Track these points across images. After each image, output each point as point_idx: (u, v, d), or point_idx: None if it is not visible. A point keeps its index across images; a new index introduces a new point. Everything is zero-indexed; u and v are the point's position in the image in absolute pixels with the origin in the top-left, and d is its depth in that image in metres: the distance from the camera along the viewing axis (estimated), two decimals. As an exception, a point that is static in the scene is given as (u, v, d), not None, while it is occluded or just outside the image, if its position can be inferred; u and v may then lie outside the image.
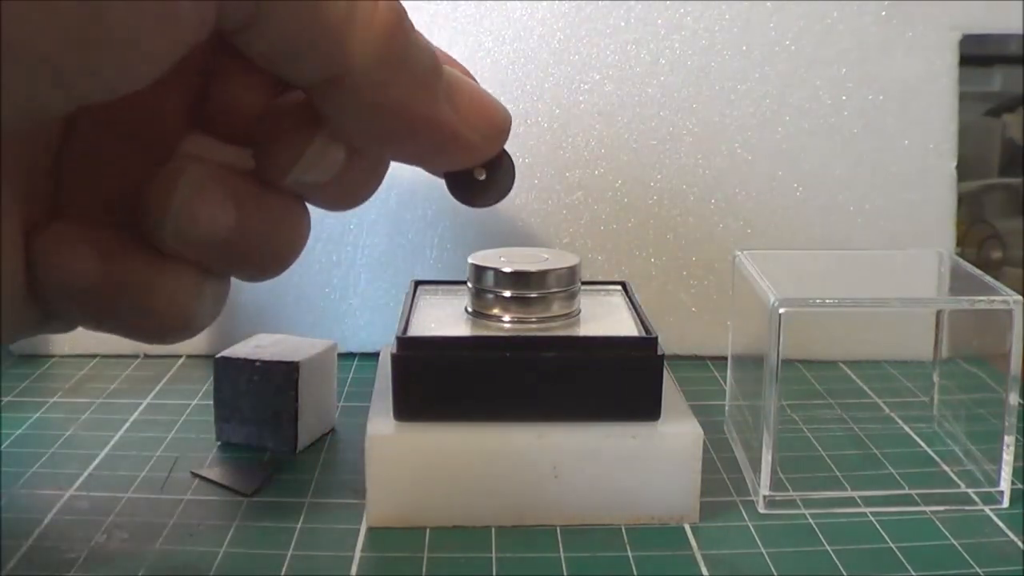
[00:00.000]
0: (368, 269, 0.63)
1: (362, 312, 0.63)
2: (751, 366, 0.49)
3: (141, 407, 0.56)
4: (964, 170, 0.65)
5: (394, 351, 0.43)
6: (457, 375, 0.44)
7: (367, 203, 0.62)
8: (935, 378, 0.55)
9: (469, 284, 0.47)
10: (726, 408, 0.55)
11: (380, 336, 0.62)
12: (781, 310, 0.44)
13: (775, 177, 0.62)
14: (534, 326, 0.46)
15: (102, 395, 0.58)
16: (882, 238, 0.62)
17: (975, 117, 0.91)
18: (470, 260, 0.47)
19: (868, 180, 0.62)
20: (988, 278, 0.47)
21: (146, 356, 0.63)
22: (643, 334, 0.45)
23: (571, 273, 0.46)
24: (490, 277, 0.46)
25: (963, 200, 0.70)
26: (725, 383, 0.56)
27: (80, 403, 0.56)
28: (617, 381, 0.44)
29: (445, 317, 0.47)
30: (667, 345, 0.44)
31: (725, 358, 0.55)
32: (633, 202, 0.62)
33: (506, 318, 0.46)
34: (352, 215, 0.63)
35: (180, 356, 0.63)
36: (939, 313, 0.55)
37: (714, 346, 0.62)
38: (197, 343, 0.63)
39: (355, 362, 0.62)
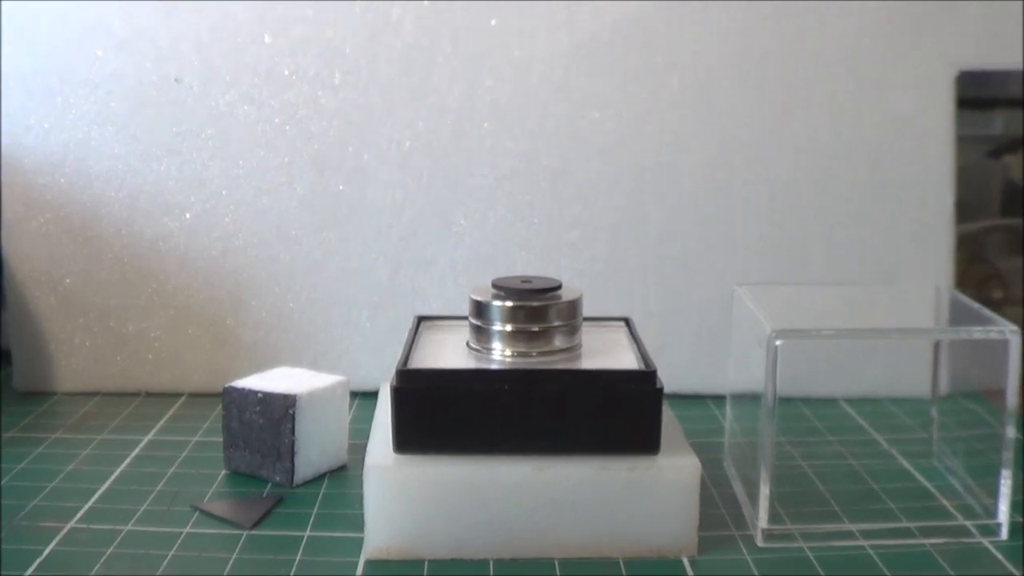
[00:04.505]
0: (370, 307, 0.64)
1: (364, 350, 0.64)
2: (750, 403, 0.49)
3: (143, 443, 0.56)
4: (965, 211, 0.65)
5: (394, 383, 0.44)
6: (456, 407, 0.44)
7: (368, 242, 0.63)
8: (933, 414, 0.55)
9: (470, 319, 0.47)
10: (725, 445, 0.55)
11: (383, 374, 0.62)
12: (778, 342, 0.44)
13: (774, 213, 0.63)
14: (535, 360, 0.46)
15: (104, 431, 0.58)
16: (881, 273, 0.62)
17: (975, 158, 0.91)
18: (471, 295, 0.47)
19: (866, 215, 0.62)
20: (985, 310, 0.47)
21: (148, 394, 0.64)
22: (643, 368, 0.45)
23: (572, 307, 0.47)
24: (491, 311, 0.46)
25: (964, 241, 0.71)
26: (724, 420, 0.56)
27: (82, 439, 0.57)
28: (616, 414, 0.44)
29: (446, 351, 0.48)
30: (666, 383, 0.44)
31: (724, 396, 0.55)
32: (633, 239, 0.63)
33: (508, 352, 0.46)
34: (353, 255, 0.63)
35: (182, 395, 0.64)
36: (937, 348, 0.55)
37: (714, 384, 0.62)
38: (198, 381, 0.64)
39: (356, 400, 0.62)
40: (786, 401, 0.46)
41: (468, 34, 0.62)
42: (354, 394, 0.62)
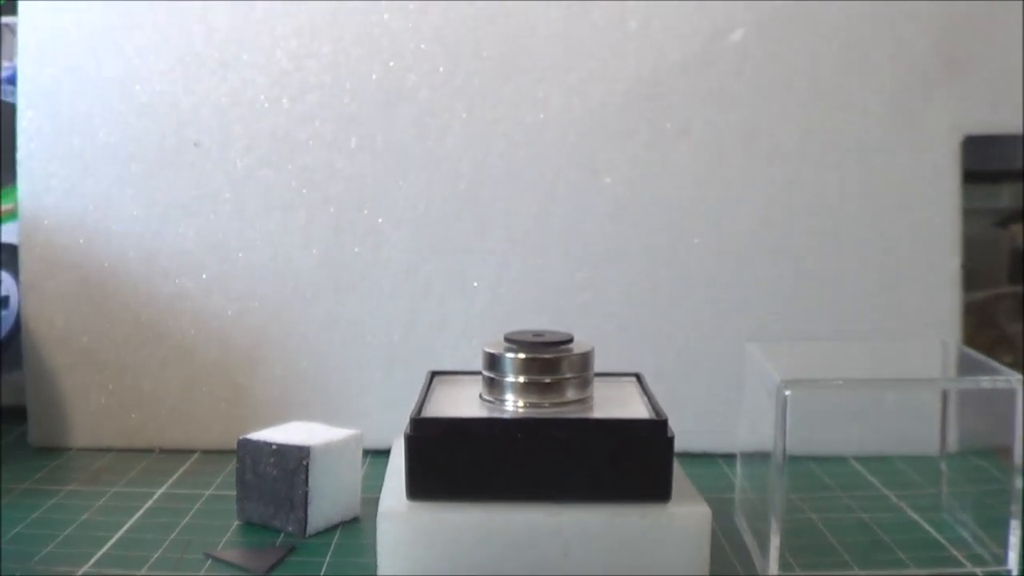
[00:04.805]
0: (383, 368, 0.64)
1: (377, 409, 0.64)
2: (760, 462, 0.49)
3: (156, 495, 0.57)
4: (972, 280, 0.66)
5: (408, 432, 0.44)
6: (469, 455, 0.44)
7: (383, 303, 0.64)
8: (943, 469, 0.55)
9: (483, 371, 0.48)
10: (735, 500, 0.55)
11: (396, 432, 0.63)
12: (787, 391, 0.45)
13: (782, 276, 0.63)
14: (547, 410, 0.46)
15: (118, 484, 0.58)
16: (888, 335, 0.63)
17: (982, 229, 0.92)
18: (484, 348, 0.48)
19: (874, 278, 0.63)
20: (992, 362, 0.48)
21: (161, 451, 0.64)
22: (654, 417, 0.46)
23: (584, 359, 0.47)
24: (504, 363, 0.47)
25: (972, 309, 0.71)
26: (735, 478, 0.56)
27: (96, 491, 0.57)
28: (628, 463, 0.44)
29: (460, 402, 0.48)
30: (677, 442, 0.45)
31: (735, 455, 0.56)
32: (644, 301, 0.64)
33: (520, 404, 0.46)
34: (367, 315, 0.64)
35: (195, 451, 0.64)
36: (945, 405, 0.55)
37: (725, 443, 0.62)
38: (211, 438, 0.64)
39: (369, 458, 0.62)
40: (796, 459, 0.47)
41: (482, 100, 0.64)
42: (367, 452, 0.62)
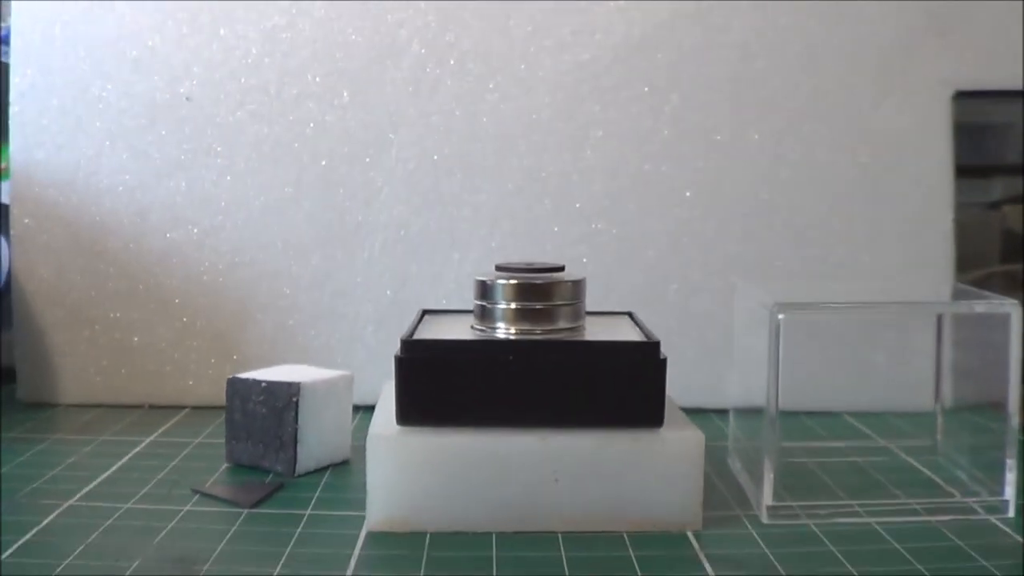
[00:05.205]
0: (374, 322, 0.64)
1: (368, 364, 0.64)
2: (753, 416, 0.48)
3: (145, 443, 0.56)
4: (965, 261, 0.66)
5: (399, 354, 0.44)
6: (460, 379, 0.44)
7: (373, 257, 0.64)
8: (938, 422, 0.54)
9: (475, 300, 0.47)
10: (729, 447, 0.54)
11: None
12: (780, 316, 0.44)
13: (773, 231, 0.63)
14: (539, 336, 0.46)
15: (107, 433, 0.58)
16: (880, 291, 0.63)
17: (976, 210, 0.92)
18: (475, 277, 0.47)
19: (866, 231, 0.63)
20: (986, 292, 0.47)
21: (151, 406, 0.64)
22: (646, 340, 0.45)
23: (576, 287, 0.47)
24: (495, 290, 0.46)
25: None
26: (728, 430, 0.55)
27: (84, 439, 0.57)
28: (620, 386, 0.44)
29: (451, 330, 0.48)
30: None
31: (727, 410, 0.55)
32: (635, 255, 0.63)
33: (512, 330, 0.46)
34: (359, 270, 0.64)
35: (185, 407, 0.64)
36: (939, 359, 0.55)
37: (716, 399, 0.62)
38: (200, 395, 0.64)
39: (360, 413, 0.62)
40: (789, 414, 0.46)
41: (473, 55, 0.63)
42: (358, 407, 0.62)
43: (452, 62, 0.64)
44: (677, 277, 0.63)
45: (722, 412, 0.60)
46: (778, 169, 0.63)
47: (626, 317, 0.52)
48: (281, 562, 0.40)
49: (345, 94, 0.64)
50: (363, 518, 0.44)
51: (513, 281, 0.46)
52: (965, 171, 0.66)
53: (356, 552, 0.41)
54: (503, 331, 0.46)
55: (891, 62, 0.63)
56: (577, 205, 0.64)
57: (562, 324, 0.47)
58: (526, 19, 0.63)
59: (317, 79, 0.64)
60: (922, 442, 0.56)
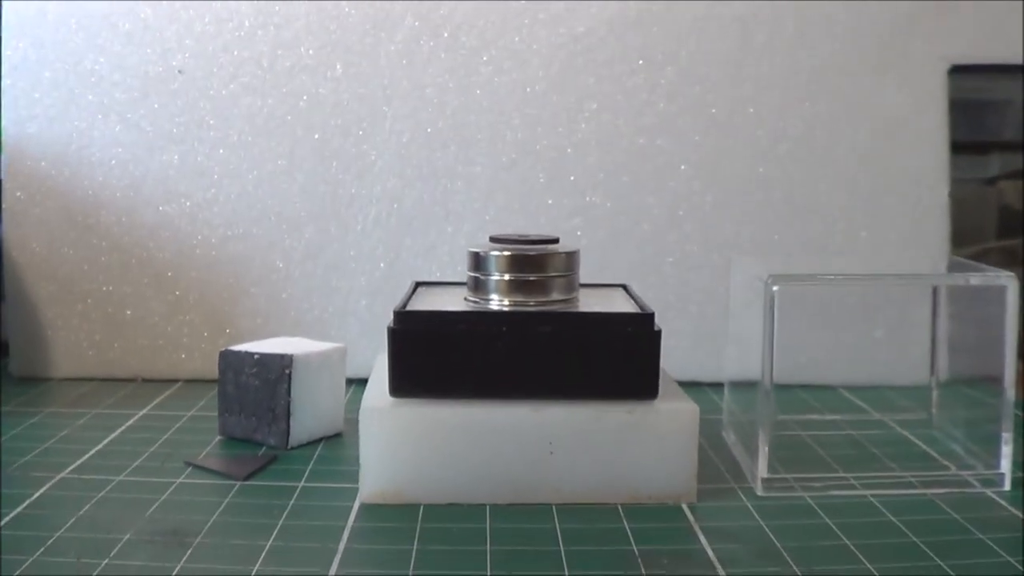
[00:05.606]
0: (368, 295, 0.64)
1: (362, 337, 0.63)
2: (747, 389, 0.48)
3: (137, 415, 0.56)
4: (962, 237, 0.65)
5: (391, 325, 0.44)
6: (454, 350, 0.44)
7: (367, 230, 0.63)
8: (934, 396, 0.54)
9: (468, 272, 0.47)
10: (724, 421, 0.54)
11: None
12: (775, 287, 0.44)
13: (770, 206, 0.63)
14: (532, 308, 0.46)
15: (99, 407, 0.58)
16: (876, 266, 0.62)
17: (973, 187, 0.92)
18: (469, 248, 0.47)
19: (862, 207, 0.63)
20: (982, 265, 0.47)
21: (144, 380, 0.63)
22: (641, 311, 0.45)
23: (570, 259, 0.47)
24: (489, 261, 0.46)
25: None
26: (722, 403, 0.55)
27: (76, 412, 0.56)
28: (614, 358, 0.44)
29: (444, 302, 0.47)
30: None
31: (722, 384, 0.55)
32: (630, 229, 0.63)
33: (505, 302, 0.46)
34: (352, 243, 0.63)
35: (177, 381, 0.63)
36: (935, 333, 0.55)
37: (711, 373, 0.62)
38: (194, 367, 0.63)
39: (353, 387, 0.62)
40: (784, 388, 0.46)
41: (467, 27, 0.63)
42: (351, 381, 0.62)
43: (446, 35, 0.63)
44: (673, 251, 0.63)
45: (717, 386, 0.59)
46: (775, 144, 0.63)
47: (620, 289, 0.52)
48: (274, 534, 0.40)
49: (338, 66, 0.63)
50: (356, 490, 0.44)
51: (507, 252, 0.46)
52: (962, 147, 0.65)
53: (349, 524, 0.41)
54: (497, 303, 0.46)
55: (888, 37, 0.63)
56: (571, 178, 0.63)
57: (556, 296, 0.46)
58: (521, -9, 0.63)
59: (310, 51, 0.63)
60: (918, 415, 0.56)
